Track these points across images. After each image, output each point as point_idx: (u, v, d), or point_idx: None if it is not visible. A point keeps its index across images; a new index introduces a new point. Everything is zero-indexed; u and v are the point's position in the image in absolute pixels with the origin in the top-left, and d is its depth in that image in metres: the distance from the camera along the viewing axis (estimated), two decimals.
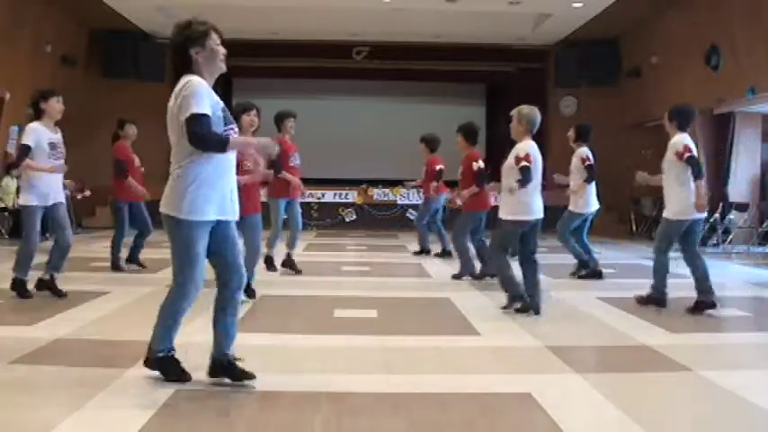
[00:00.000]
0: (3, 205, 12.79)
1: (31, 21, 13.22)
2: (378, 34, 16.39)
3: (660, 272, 6.49)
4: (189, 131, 3.60)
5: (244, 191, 4.84)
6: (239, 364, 3.95)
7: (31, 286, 6.35)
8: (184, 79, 3.76)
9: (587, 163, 8.15)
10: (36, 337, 4.89)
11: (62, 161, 6.35)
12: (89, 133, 14.46)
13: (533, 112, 6.13)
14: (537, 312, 5.99)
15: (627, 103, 15.97)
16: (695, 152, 6.34)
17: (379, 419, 3.50)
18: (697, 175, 6.20)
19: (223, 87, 18.37)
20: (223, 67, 3.89)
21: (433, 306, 6.71)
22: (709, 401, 3.87)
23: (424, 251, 10.60)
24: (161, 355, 3.90)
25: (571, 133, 8.52)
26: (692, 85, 13.19)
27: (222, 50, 3.88)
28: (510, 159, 6.12)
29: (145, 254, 8.59)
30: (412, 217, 13.72)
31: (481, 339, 5.24)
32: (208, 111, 3.64)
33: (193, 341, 4.41)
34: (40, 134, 6.22)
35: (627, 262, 10.49)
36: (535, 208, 6.11)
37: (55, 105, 6.32)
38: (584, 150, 8.27)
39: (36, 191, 6.23)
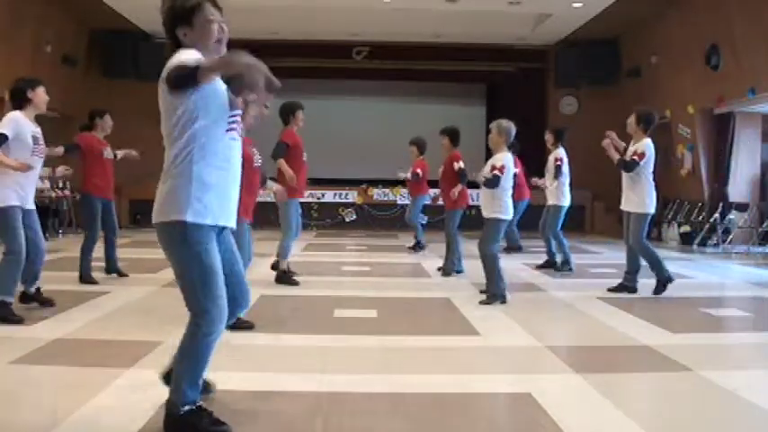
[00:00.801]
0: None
1: (31, 21, 13.22)
2: (378, 34, 16.39)
3: (656, 260, 7.10)
4: (167, 80, 2.96)
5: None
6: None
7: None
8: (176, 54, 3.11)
9: (557, 163, 8.95)
10: (36, 337, 4.89)
11: (40, 163, 5.75)
12: None
13: (511, 126, 6.84)
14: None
15: (627, 103, 15.91)
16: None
17: (379, 419, 3.50)
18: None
19: None
20: (221, 50, 3.14)
21: (433, 306, 6.72)
22: (709, 401, 3.87)
23: (418, 244, 11.30)
24: (187, 409, 3.11)
25: (549, 137, 9.29)
26: (691, 85, 13.20)
27: (217, 29, 3.14)
28: (486, 167, 6.88)
29: (143, 254, 8.59)
30: (422, 220, 13.74)
31: (481, 339, 5.24)
32: (193, 63, 2.89)
33: None
34: (23, 125, 5.57)
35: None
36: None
37: (42, 95, 5.72)
38: (560, 151, 9.03)
39: (12, 187, 5.47)
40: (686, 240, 13.23)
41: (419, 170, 10.72)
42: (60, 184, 13.66)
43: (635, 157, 7.02)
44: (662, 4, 13.57)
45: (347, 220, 16.17)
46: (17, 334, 5.03)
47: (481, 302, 6.60)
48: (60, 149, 6.82)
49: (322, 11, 14.32)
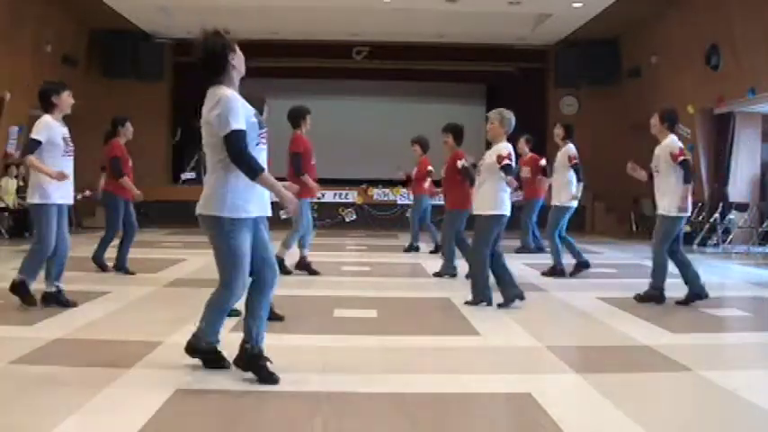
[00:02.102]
0: (3, 205, 12.79)
1: (31, 21, 13.22)
2: (378, 34, 16.39)
3: (663, 269, 6.68)
4: (229, 147, 3.83)
5: None
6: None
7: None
8: (217, 91, 3.96)
9: (574, 162, 8.41)
10: (36, 337, 4.89)
11: (71, 163, 5.98)
12: (89, 133, 14.43)
13: (512, 116, 6.46)
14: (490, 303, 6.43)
15: (627, 103, 15.96)
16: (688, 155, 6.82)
17: (379, 419, 3.50)
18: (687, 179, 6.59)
19: None
20: (243, 70, 4.14)
21: (432, 306, 6.71)
22: (709, 401, 3.87)
23: (412, 248, 11.11)
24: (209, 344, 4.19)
25: (559, 131, 8.72)
26: (691, 85, 13.20)
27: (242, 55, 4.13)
28: (491, 158, 6.42)
29: (144, 254, 8.60)
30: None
31: (481, 339, 5.24)
32: (243, 125, 3.85)
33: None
34: (54, 129, 5.85)
35: (627, 262, 10.50)
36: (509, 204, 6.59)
37: (67, 99, 5.99)
38: (572, 148, 8.53)
39: (51, 186, 5.78)
40: (686, 240, 13.15)
41: (430, 167, 10.55)
42: None
43: (682, 157, 6.55)
44: (662, 4, 13.58)
45: (347, 220, 16.17)
46: (17, 334, 5.03)
47: (466, 302, 6.46)
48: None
49: (322, 11, 14.32)
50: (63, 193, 5.88)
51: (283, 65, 16.92)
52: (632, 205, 15.27)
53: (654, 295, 6.64)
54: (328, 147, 17.10)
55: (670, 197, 6.54)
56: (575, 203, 8.49)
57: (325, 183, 16.70)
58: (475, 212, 6.56)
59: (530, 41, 16.57)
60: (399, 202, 16.14)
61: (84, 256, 8.30)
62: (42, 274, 5.99)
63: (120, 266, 8.02)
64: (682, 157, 6.53)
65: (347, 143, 17.51)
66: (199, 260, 9.60)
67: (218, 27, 4.07)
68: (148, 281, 7.71)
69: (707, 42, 12.56)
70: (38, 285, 5.97)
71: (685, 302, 6.58)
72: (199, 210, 4.00)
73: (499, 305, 6.40)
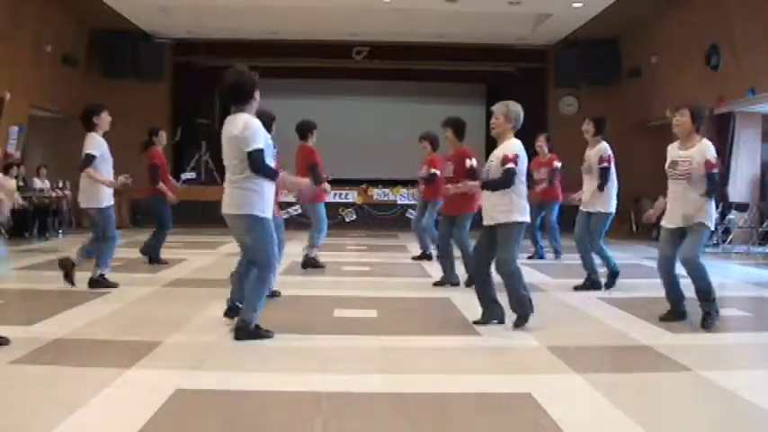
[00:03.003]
0: None
1: (31, 21, 13.22)
2: (378, 34, 16.38)
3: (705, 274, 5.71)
4: (252, 161, 4.83)
5: None
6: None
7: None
8: (242, 117, 4.91)
9: (604, 164, 7.29)
10: (36, 337, 4.89)
11: (111, 171, 7.08)
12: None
13: (520, 110, 5.64)
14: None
15: (627, 103, 15.96)
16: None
17: (379, 419, 3.50)
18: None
19: None
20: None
21: (433, 306, 6.71)
22: (709, 401, 3.87)
23: (425, 255, 9.94)
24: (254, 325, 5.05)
25: (589, 126, 7.49)
26: (691, 85, 13.19)
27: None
28: (493, 161, 5.57)
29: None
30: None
31: (481, 339, 5.23)
32: (263, 145, 4.88)
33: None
34: (102, 144, 6.94)
35: (627, 262, 10.46)
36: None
37: (106, 118, 7.01)
38: (605, 147, 7.37)
39: (103, 192, 6.95)
40: None
41: (436, 169, 8.99)
42: (60, 184, 13.67)
43: (715, 170, 5.54)
44: (662, 4, 13.58)
45: (347, 220, 16.16)
46: (17, 334, 5.02)
47: (515, 325, 5.51)
48: (128, 176, 7.52)
49: (322, 11, 14.32)
50: (111, 197, 7.11)
51: (283, 65, 16.91)
52: (632, 205, 15.26)
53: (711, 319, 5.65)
54: (328, 147, 17.05)
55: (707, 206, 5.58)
56: (613, 208, 7.38)
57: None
58: (493, 222, 5.50)
59: (530, 41, 16.57)
60: (399, 202, 16.14)
61: None
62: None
63: (156, 257, 9.06)
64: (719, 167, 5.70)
65: (347, 143, 17.49)
66: (199, 260, 9.61)
67: (247, 64, 5.07)
68: (148, 281, 7.71)
69: (707, 42, 12.56)
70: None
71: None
72: (232, 210, 5.01)
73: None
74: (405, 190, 15.93)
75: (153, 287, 7.32)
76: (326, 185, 8.33)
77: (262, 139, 4.87)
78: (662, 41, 14.40)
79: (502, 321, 5.60)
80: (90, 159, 6.81)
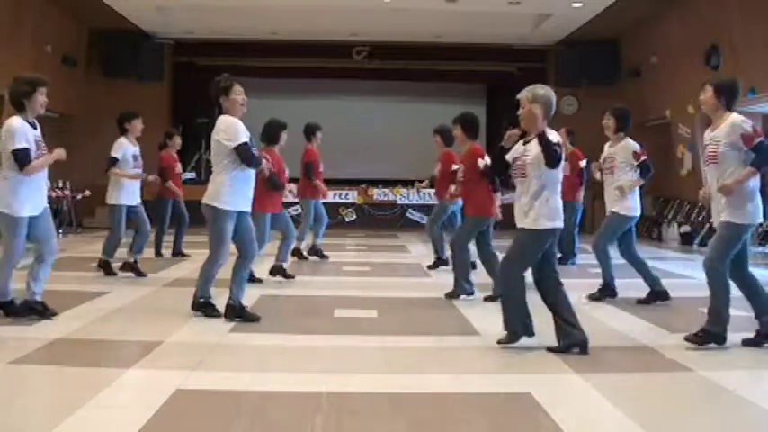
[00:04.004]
0: None
1: (31, 21, 13.21)
2: (378, 34, 16.37)
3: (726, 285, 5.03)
4: (240, 153, 5.45)
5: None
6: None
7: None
8: (221, 118, 5.55)
9: (642, 158, 6.76)
10: (36, 337, 4.89)
11: (140, 170, 7.98)
12: (89, 133, 14.47)
13: (551, 93, 5.03)
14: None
15: (627, 103, 15.87)
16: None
17: (379, 419, 3.50)
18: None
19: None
20: (243, 110, 5.61)
21: (432, 306, 6.70)
22: (709, 401, 3.87)
23: (440, 261, 8.96)
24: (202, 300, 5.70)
25: (609, 121, 6.93)
26: (691, 85, 13.18)
27: (241, 100, 5.57)
28: (532, 153, 4.82)
29: (144, 253, 8.58)
30: (423, 221, 13.21)
31: (481, 339, 5.23)
32: (247, 140, 5.49)
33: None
34: (126, 148, 7.79)
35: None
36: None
37: (137, 125, 7.94)
38: (631, 142, 6.88)
39: (124, 191, 7.77)
40: (686, 240, 13.23)
41: (456, 165, 7.84)
42: (60, 184, 13.67)
43: (758, 138, 4.79)
44: (662, 4, 13.57)
45: (347, 220, 16.16)
46: (17, 334, 5.03)
47: (499, 342, 4.93)
48: (156, 177, 8.96)
49: (322, 11, 14.32)
50: (127, 198, 7.88)
51: (283, 65, 16.91)
52: None
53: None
54: (328, 147, 17.07)
55: (739, 199, 4.90)
56: (637, 212, 6.82)
57: (325, 183, 16.75)
58: (520, 225, 4.89)
59: (530, 41, 16.56)
60: (399, 202, 16.13)
61: (84, 257, 8.31)
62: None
63: (178, 251, 9.77)
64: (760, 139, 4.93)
65: (347, 143, 17.48)
66: (199, 260, 9.59)
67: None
68: (148, 281, 7.71)
69: (707, 42, 12.55)
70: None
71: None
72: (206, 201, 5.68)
73: (486, 298, 6.52)
74: (405, 190, 15.92)
75: (153, 287, 7.32)
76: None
77: (243, 134, 5.49)
78: (662, 41, 14.39)
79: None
80: (111, 162, 7.71)
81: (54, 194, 13.45)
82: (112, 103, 15.14)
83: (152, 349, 4.64)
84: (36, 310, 5.42)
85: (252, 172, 5.67)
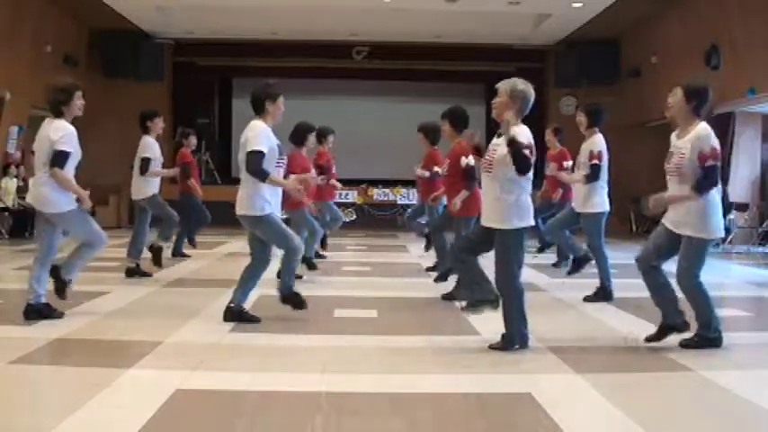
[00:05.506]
0: (3, 205, 12.77)
1: (31, 21, 13.22)
2: (378, 34, 16.39)
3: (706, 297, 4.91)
4: (248, 160, 5.36)
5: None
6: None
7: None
8: (252, 123, 5.51)
9: (593, 161, 6.62)
10: (36, 337, 4.89)
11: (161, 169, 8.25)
12: (89, 132, 14.40)
13: (529, 89, 4.83)
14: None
15: (627, 103, 15.96)
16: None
17: (379, 419, 3.50)
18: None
19: (223, 87, 18.40)
20: (279, 120, 5.66)
21: (432, 306, 6.70)
22: (709, 401, 3.87)
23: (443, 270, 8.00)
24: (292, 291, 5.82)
25: (582, 118, 6.78)
26: None
27: (282, 109, 5.67)
28: (503, 148, 4.66)
29: (144, 253, 8.57)
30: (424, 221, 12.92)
31: (481, 339, 5.23)
32: (265, 149, 5.34)
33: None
34: (154, 146, 8.01)
35: (627, 262, 10.43)
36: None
37: (159, 123, 8.14)
38: (598, 140, 6.67)
39: (150, 184, 8.01)
40: None
41: (438, 166, 7.83)
42: None
43: (711, 161, 4.71)
44: (662, 4, 13.58)
45: (347, 220, 16.15)
46: (17, 334, 5.03)
47: (491, 346, 4.85)
48: (177, 170, 9.29)
49: (322, 11, 14.33)
50: (155, 187, 8.13)
51: (283, 65, 16.92)
52: (632, 205, 15.27)
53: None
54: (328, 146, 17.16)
55: (698, 212, 4.77)
56: (606, 207, 6.74)
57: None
58: (497, 227, 4.74)
59: (530, 41, 16.57)
60: (399, 202, 16.14)
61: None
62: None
63: (191, 242, 10.02)
64: (713, 160, 4.87)
65: (347, 143, 17.46)
66: (199, 260, 9.60)
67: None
68: (148, 281, 7.72)
69: (707, 42, 12.55)
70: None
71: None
72: (243, 210, 5.55)
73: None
74: (405, 190, 15.93)
75: (153, 287, 7.32)
76: (337, 184, 9.05)
77: (264, 143, 5.35)
78: (662, 41, 14.40)
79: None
80: (146, 163, 7.94)
81: None
82: (112, 103, 15.19)
83: (152, 349, 4.64)
84: (42, 314, 5.45)
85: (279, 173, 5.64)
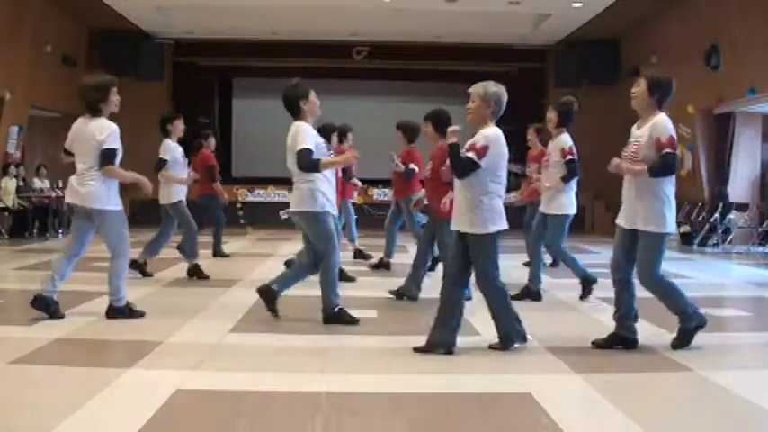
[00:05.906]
0: (3, 205, 12.78)
1: (31, 21, 13.22)
2: (378, 34, 16.40)
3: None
4: (298, 158, 5.38)
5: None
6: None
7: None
8: (295, 124, 5.55)
9: (569, 157, 6.56)
10: (36, 337, 4.89)
11: (185, 172, 8.17)
12: None
13: (501, 91, 4.76)
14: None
15: (627, 103, 15.93)
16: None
17: (379, 419, 3.50)
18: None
19: (223, 87, 18.41)
20: (318, 113, 5.83)
21: (432, 306, 6.63)
22: (709, 401, 3.87)
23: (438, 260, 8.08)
24: (336, 309, 5.61)
25: (552, 115, 6.73)
26: (691, 85, 13.20)
27: (317, 103, 5.75)
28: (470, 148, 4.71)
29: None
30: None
31: (481, 339, 5.23)
32: (312, 146, 5.41)
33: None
34: (175, 150, 7.97)
35: None
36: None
37: (179, 125, 8.10)
38: (565, 138, 6.63)
39: (175, 188, 7.96)
40: (686, 240, 13.23)
41: (414, 164, 8.29)
42: (60, 184, 13.67)
43: (668, 149, 4.81)
44: (662, 4, 13.59)
45: None
46: (17, 334, 5.03)
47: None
48: (194, 176, 8.77)
49: (322, 11, 14.33)
50: (182, 194, 8.07)
51: (283, 65, 16.91)
52: None
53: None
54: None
55: (649, 207, 4.95)
56: (573, 210, 6.73)
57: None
58: (469, 231, 4.74)
59: (530, 41, 16.58)
60: None
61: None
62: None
63: (218, 252, 10.00)
64: (672, 148, 4.97)
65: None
66: (200, 260, 9.59)
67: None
68: (149, 281, 7.72)
69: (707, 42, 12.56)
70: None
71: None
72: (299, 208, 5.61)
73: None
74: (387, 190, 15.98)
75: (153, 287, 7.32)
76: (359, 183, 9.57)
77: (310, 141, 5.45)
78: (662, 41, 14.40)
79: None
80: (162, 163, 7.85)
81: (54, 194, 13.47)
82: None
83: (152, 349, 4.64)
84: (49, 308, 5.45)
85: (330, 173, 5.71)
